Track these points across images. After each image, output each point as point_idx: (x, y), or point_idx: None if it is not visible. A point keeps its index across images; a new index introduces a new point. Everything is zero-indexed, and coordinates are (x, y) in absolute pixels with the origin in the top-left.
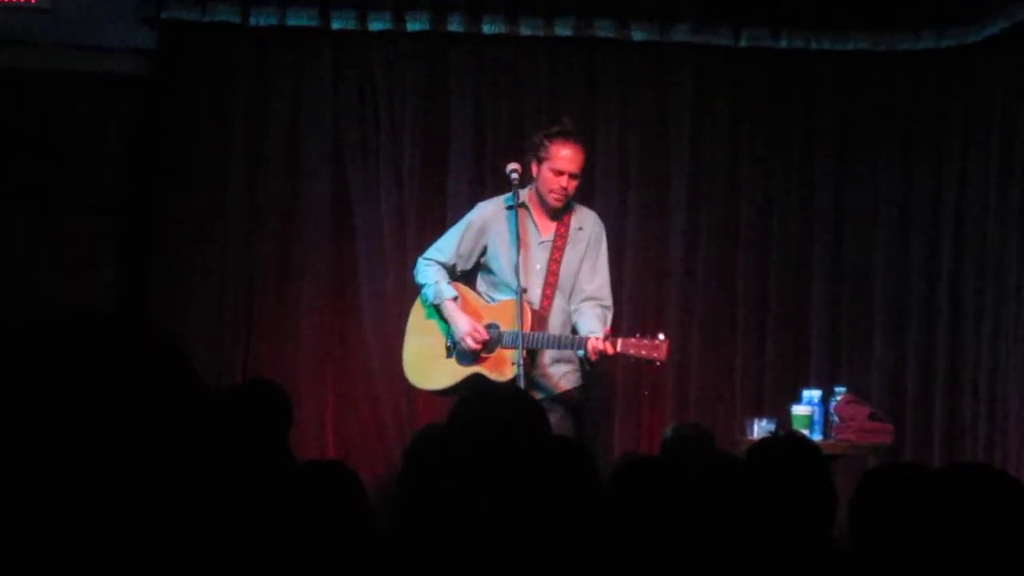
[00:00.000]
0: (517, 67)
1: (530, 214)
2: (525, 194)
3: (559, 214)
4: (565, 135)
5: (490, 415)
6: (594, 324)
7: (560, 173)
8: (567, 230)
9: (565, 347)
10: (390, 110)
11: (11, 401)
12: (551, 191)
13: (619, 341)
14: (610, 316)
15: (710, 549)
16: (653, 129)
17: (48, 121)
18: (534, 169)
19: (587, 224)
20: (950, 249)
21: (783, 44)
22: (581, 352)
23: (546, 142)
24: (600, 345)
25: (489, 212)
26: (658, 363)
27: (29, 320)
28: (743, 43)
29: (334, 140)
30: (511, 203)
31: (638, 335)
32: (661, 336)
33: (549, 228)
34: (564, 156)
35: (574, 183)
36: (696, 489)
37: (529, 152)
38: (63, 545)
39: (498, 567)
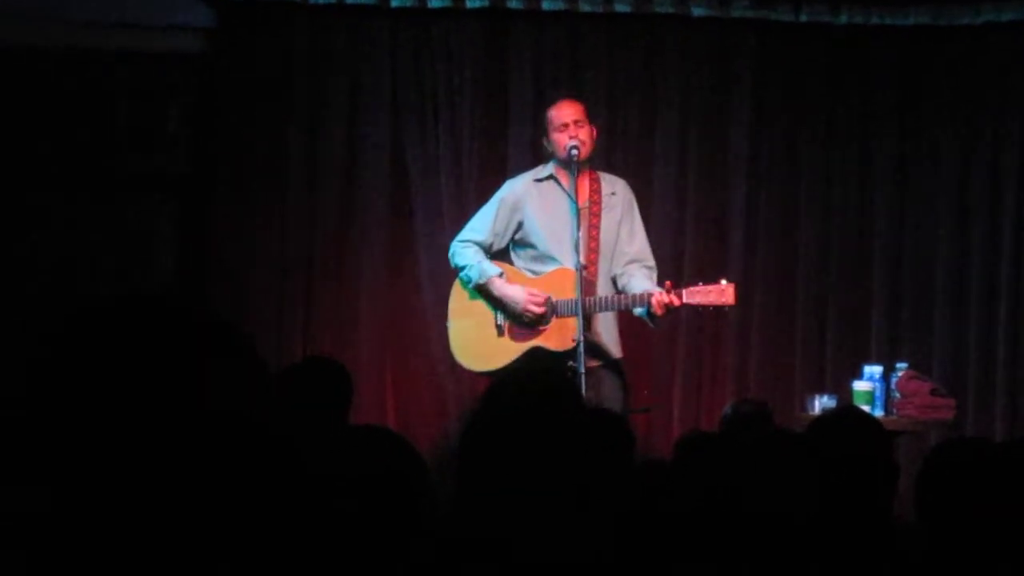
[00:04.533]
0: (576, 44)
1: (561, 185)
2: (552, 168)
3: (590, 180)
4: (553, 99)
5: (526, 398)
6: (645, 283)
7: (564, 126)
8: (600, 196)
9: (626, 307)
10: (449, 88)
11: (72, 385)
12: (564, 146)
13: (683, 291)
14: (655, 276)
15: (770, 527)
16: (713, 105)
17: (107, 101)
18: (550, 142)
19: (618, 189)
20: (1012, 221)
21: (842, 20)
22: (643, 311)
23: (544, 117)
24: (665, 298)
25: (520, 188)
26: (727, 308)
27: (90, 304)
28: (803, 18)
29: (393, 118)
30: (543, 176)
31: (700, 282)
32: (724, 280)
33: (583, 195)
34: (559, 112)
35: (583, 130)
36: (756, 466)
37: (541, 136)
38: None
39: (552, 549)
